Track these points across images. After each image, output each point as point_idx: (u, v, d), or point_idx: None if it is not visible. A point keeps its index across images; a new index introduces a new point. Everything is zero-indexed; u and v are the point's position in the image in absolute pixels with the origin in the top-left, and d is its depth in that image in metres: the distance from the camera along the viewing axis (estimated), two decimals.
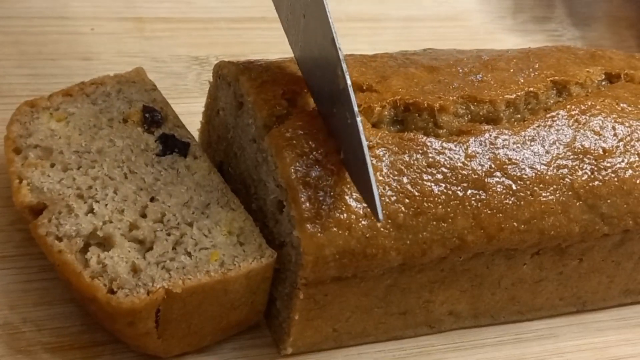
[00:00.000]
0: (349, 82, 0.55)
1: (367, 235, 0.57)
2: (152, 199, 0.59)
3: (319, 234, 0.56)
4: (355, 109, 0.54)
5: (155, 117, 0.63)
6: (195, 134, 0.68)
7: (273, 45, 0.81)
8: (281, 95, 0.60)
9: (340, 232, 0.56)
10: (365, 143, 0.54)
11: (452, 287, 0.64)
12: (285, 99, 0.60)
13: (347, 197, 0.57)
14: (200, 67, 0.79)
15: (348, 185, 0.57)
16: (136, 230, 0.57)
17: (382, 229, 0.57)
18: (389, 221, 0.58)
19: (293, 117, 0.59)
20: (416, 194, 0.59)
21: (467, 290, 0.65)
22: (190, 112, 0.70)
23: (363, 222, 0.57)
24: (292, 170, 0.56)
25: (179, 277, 0.55)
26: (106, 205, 0.58)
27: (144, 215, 0.58)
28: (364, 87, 0.62)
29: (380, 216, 0.54)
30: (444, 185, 0.59)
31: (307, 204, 0.56)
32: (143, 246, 0.57)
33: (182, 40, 0.81)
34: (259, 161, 0.60)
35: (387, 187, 0.58)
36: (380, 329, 0.64)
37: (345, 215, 0.57)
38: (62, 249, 0.55)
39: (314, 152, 0.57)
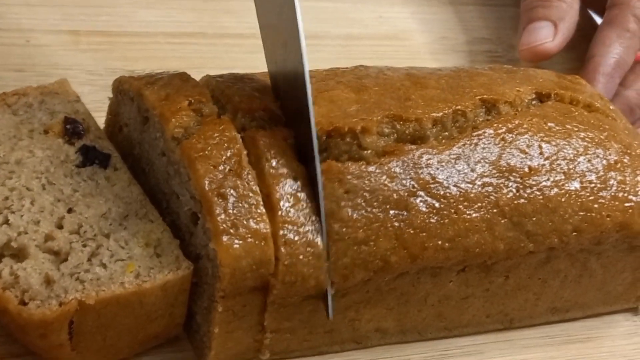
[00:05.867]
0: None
1: (286, 263, 0.57)
2: (69, 210, 0.59)
3: (235, 245, 0.55)
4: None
5: (76, 128, 0.63)
6: None
7: (210, 60, 0.82)
8: (187, 106, 0.59)
9: (257, 242, 0.56)
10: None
11: (378, 306, 0.64)
12: (192, 109, 0.59)
13: (262, 207, 0.57)
14: None
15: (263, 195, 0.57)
16: (51, 241, 0.57)
17: (301, 257, 0.57)
18: (309, 249, 0.58)
19: (202, 127, 0.59)
20: (332, 222, 0.59)
21: (394, 308, 0.65)
22: None
23: (282, 250, 0.57)
24: (206, 181, 0.56)
25: (92, 289, 0.55)
26: (22, 216, 0.58)
27: (60, 227, 0.58)
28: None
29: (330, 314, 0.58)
30: (363, 209, 0.59)
31: (223, 216, 0.56)
32: (58, 257, 0.56)
33: (118, 54, 0.81)
34: (170, 174, 0.60)
35: (307, 217, 0.58)
36: (304, 345, 0.64)
37: (261, 225, 0.57)
38: None
39: (228, 162, 0.57)
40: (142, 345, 0.60)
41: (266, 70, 0.66)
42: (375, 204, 0.59)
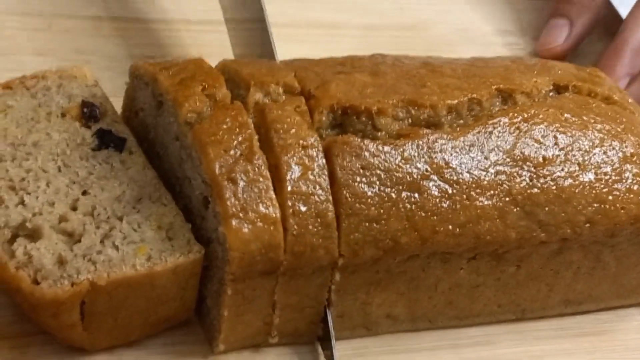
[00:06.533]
0: None
1: (294, 233, 0.57)
2: (84, 193, 0.59)
3: (244, 229, 0.56)
4: None
5: (93, 112, 0.63)
6: None
7: (229, 48, 0.82)
8: (201, 91, 0.60)
9: (266, 227, 0.57)
10: None
11: (388, 290, 0.64)
12: (206, 94, 0.60)
13: (272, 192, 0.57)
14: None
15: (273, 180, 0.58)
16: (65, 222, 0.58)
17: (310, 227, 0.58)
18: (318, 220, 0.58)
19: (215, 112, 0.59)
20: (347, 195, 0.59)
21: (404, 293, 0.65)
22: None
23: (291, 220, 0.57)
24: (217, 165, 0.57)
25: (104, 270, 0.56)
26: (37, 197, 0.58)
27: (74, 208, 0.59)
28: (303, 92, 0.63)
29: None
30: (377, 187, 0.60)
31: (232, 200, 0.56)
32: (71, 239, 0.57)
33: (139, 41, 0.82)
34: (183, 158, 0.60)
35: (317, 187, 0.59)
36: (312, 330, 0.64)
37: (271, 210, 0.57)
38: None
39: (239, 147, 0.58)
40: (153, 327, 0.61)
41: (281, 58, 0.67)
42: (388, 183, 0.60)
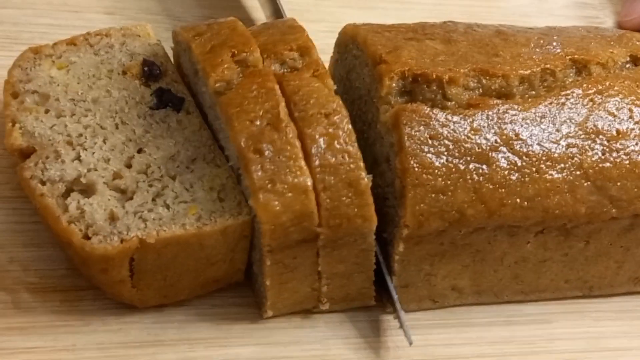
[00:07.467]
0: None
1: (328, 207, 0.57)
2: (139, 151, 0.60)
3: (273, 202, 0.55)
4: None
5: (153, 71, 0.64)
6: None
7: (295, 12, 0.81)
8: (231, 58, 0.59)
9: (296, 196, 0.56)
10: None
11: (453, 262, 0.63)
12: (236, 61, 0.59)
13: (301, 160, 0.56)
14: None
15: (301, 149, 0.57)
16: (119, 179, 0.58)
17: (343, 198, 0.57)
18: (351, 189, 0.57)
19: (244, 79, 0.58)
20: (415, 164, 0.58)
21: (469, 266, 0.64)
22: None
23: (322, 195, 0.57)
24: (242, 138, 0.56)
25: (154, 228, 0.56)
26: (93, 153, 0.59)
27: (129, 166, 0.59)
28: (374, 57, 0.62)
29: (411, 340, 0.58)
30: (445, 157, 0.59)
31: (260, 172, 0.56)
32: (124, 196, 0.58)
33: (206, 2, 0.81)
34: (219, 128, 0.60)
35: (345, 155, 0.58)
36: (365, 294, 0.63)
37: (300, 178, 0.56)
38: (44, 193, 0.57)
39: (265, 116, 0.57)
40: (202, 288, 0.61)
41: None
42: (456, 154, 0.59)
